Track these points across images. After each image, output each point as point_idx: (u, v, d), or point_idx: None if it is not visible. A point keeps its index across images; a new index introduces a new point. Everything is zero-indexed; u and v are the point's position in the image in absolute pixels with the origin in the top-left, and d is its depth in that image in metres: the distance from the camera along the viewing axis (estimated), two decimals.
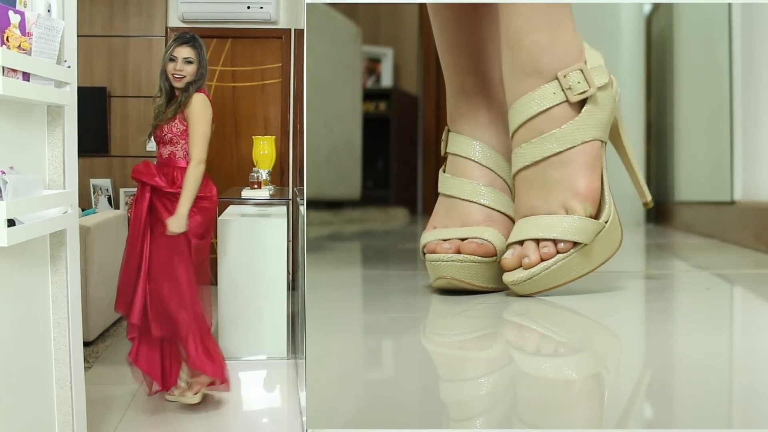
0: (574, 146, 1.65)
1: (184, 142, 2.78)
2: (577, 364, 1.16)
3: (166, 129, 2.77)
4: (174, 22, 5.19)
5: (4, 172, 1.60)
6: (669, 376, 1.08)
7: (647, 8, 4.53)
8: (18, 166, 1.74)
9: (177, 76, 2.77)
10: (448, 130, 1.92)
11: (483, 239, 1.69)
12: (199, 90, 2.80)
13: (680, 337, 1.35)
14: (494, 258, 1.69)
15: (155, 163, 2.86)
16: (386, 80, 6.17)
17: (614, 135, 1.80)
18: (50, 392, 1.98)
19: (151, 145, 2.98)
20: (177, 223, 2.71)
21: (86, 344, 3.49)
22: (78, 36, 2.06)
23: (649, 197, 1.89)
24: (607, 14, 4.09)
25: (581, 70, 1.65)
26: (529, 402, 0.97)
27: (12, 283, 1.76)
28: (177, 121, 2.76)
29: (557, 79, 1.65)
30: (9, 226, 1.55)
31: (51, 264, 1.96)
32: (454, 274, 1.66)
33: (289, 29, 5.28)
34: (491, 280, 1.71)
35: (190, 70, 2.77)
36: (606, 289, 1.80)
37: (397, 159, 5.95)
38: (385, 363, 1.18)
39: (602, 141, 1.68)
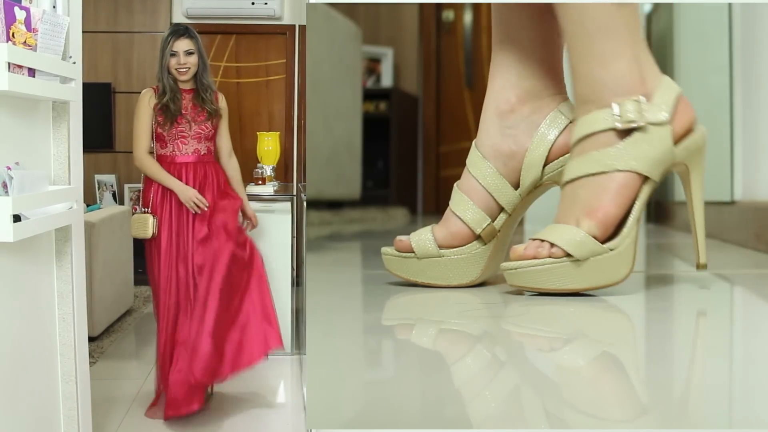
0: (606, 171, 1.68)
1: (214, 137, 2.89)
2: (576, 365, 1.17)
3: (208, 127, 2.82)
4: (178, 17, 5.19)
5: (9, 168, 1.61)
6: (669, 376, 1.08)
7: (647, 8, 4.54)
8: (23, 162, 1.74)
9: (181, 69, 2.76)
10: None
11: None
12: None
13: (680, 337, 1.36)
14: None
15: (172, 160, 2.81)
16: (386, 80, 6.18)
17: (686, 186, 1.80)
18: (55, 387, 1.99)
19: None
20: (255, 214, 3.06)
21: (91, 339, 3.50)
22: (83, 32, 2.07)
23: (702, 260, 1.83)
24: None
25: (637, 101, 1.67)
26: (529, 402, 0.98)
27: (17, 278, 1.77)
28: (214, 116, 2.84)
29: (611, 106, 1.69)
30: (15, 221, 1.55)
31: (56, 259, 1.97)
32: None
33: (293, 25, 5.28)
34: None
35: (192, 61, 2.77)
36: (605, 289, 1.81)
37: (397, 159, 5.95)
38: (385, 363, 1.19)
39: (642, 175, 1.68)
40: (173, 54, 2.75)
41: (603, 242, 1.66)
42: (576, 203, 1.70)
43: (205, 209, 2.79)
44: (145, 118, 2.78)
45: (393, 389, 1.00)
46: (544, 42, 1.85)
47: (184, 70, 2.76)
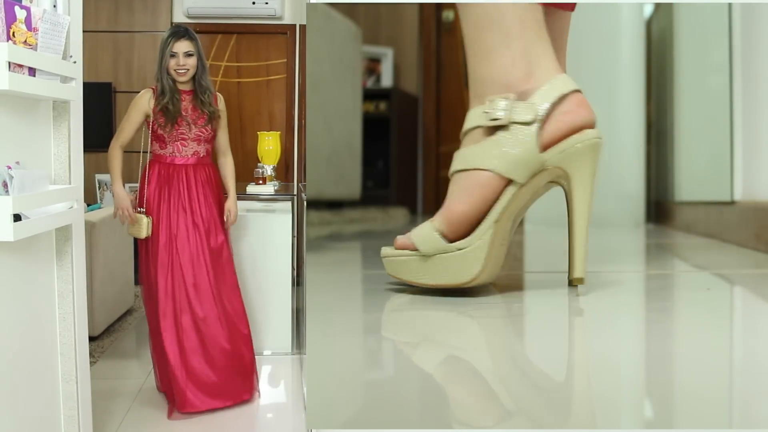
0: (467, 169, 1.64)
1: (212, 139, 2.89)
2: (576, 365, 1.17)
3: (208, 130, 2.83)
4: (179, 17, 5.18)
5: (10, 167, 1.61)
6: (669, 375, 1.08)
7: (648, 9, 4.54)
8: (24, 161, 1.75)
9: (180, 71, 2.76)
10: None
11: None
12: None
13: (680, 337, 1.36)
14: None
15: (169, 160, 2.84)
16: (386, 80, 6.17)
17: (566, 194, 1.67)
18: (56, 387, 1.99)
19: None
20: (236, 212, 2.96)
21: (91, 339, 3.50)
22: (83, 31, 2.07)
23: (576, 274, 1.66)
24: (607, 14, 4.10)
25: (506, 99, 1.61)
26: (529, 402, 0.98)
27: (18, 278, 1.77)
28: (213, 119, 2.84)
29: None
30: (15, 220, 1.56)
31: (56, 259, 1.97)
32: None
33: (294, 25, 5.26)
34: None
35: (191, 63, 2.77)
36: (606, 288, 1.81)
37: (397, 159, 5.95)
38: (385, 363, 1.19)
39: (501, 176, 1.61)
40: (173, 55, 2.76)
41: (454, 240, 1.64)
42: (447, 198, 1.69)
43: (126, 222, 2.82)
44: (136, 116, 2.81)
45: (393, 389, 1.00)
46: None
47: (183, 71, 2.76)
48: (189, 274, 2.76)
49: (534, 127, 1.59)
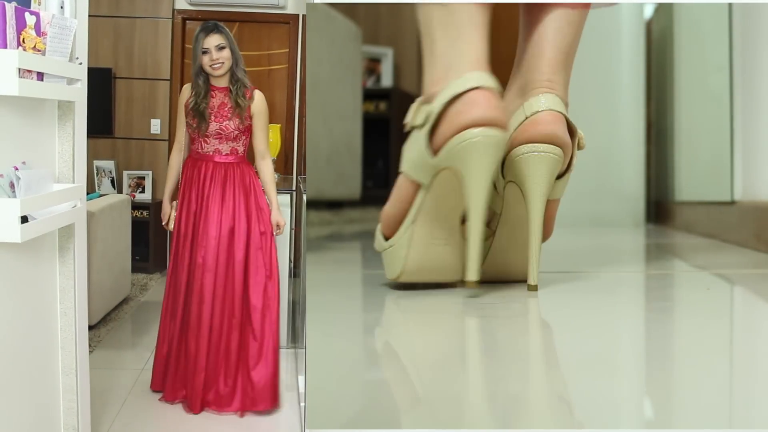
0: (400, 171, 1.73)
1: (245, 137, 2.76)
2: (576, 364, 1.18)
3: (233, 125, 2.70)
4: (181, 4, 5.12)
5: (17, 168, 1.63)
6: (669, 376, 1.09)
7: (648, 10, 4.54)
8: (29, 160, 1.76)
9: (215, 65, 2.66)
10: None
11: None
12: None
13: (680, 337, 1.36)
14: None
15: (186, 155, 2.81)
16: (386, 80, 6.16)
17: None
18: (56, 379, 2.01)
19: (156, 129, 2.93)
20: (281, 214, 2.82)
21: (88, 328, 3.50)
22: None
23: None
24: (607, 14, 4.11)
25: (416, 102, 1.67)
26: (529, 402, 0.98)
27: (22, 275, 1.79)
28: (244, 117, 2.71)
29: None
30: (22, 222, 1.57)
31: (59, 255, 1.99)
32: None
33: (297, 15, 5.19)
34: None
35: (225, 55, 2.67)
36: (606, 288, 1.81)
37: (397, 159, 5.93)
38: (385, 363, 1.19)
39: (411, 179, 1.67)
40: (205, 51, 2.66)
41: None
42: None
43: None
44: (180, 113, 2.78)
45: (393, 389, 1.01)
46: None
47: (218, 65, 2.67)
48: (183, 273, 2.74)
49: (424, 130, 1.62)
